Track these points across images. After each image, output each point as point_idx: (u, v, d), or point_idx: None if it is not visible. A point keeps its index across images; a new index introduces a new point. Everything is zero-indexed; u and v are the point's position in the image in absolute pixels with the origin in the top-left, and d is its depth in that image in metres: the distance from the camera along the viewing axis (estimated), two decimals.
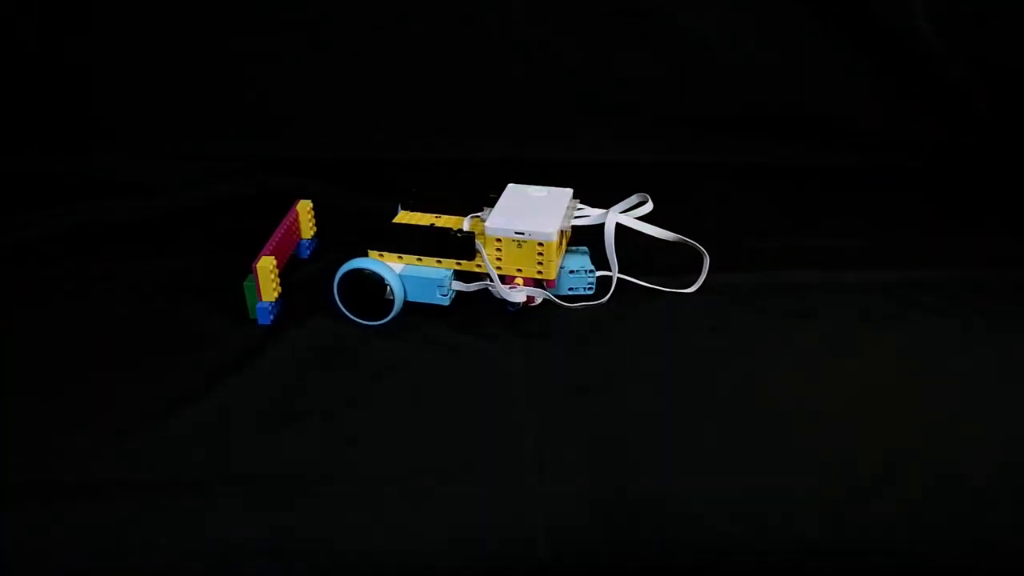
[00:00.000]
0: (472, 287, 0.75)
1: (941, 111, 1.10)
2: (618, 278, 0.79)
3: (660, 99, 1.12)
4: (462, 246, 0.73)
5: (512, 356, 0.72)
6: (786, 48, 1.08)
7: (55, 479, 0.59)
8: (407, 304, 0.75)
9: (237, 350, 0.71)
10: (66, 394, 0.66)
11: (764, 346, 0.74)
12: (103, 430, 0.62)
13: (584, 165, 1.04)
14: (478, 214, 0.78)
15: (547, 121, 1.12)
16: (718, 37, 1.08)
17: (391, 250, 0.75)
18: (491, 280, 0.73)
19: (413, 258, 0.75)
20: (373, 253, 0.75)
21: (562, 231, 0.75)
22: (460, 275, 0.76)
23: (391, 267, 0.74)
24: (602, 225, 0.78)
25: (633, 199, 0.80)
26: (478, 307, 0.76)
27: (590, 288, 0.80)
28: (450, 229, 0.75)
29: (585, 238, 0.81)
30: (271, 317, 0.74)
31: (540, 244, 0.72)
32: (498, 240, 0.72)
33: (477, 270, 0.74)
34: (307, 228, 0.86)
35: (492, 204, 0.76)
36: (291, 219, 0.83)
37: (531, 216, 0.73)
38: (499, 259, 0.73)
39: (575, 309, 0.77)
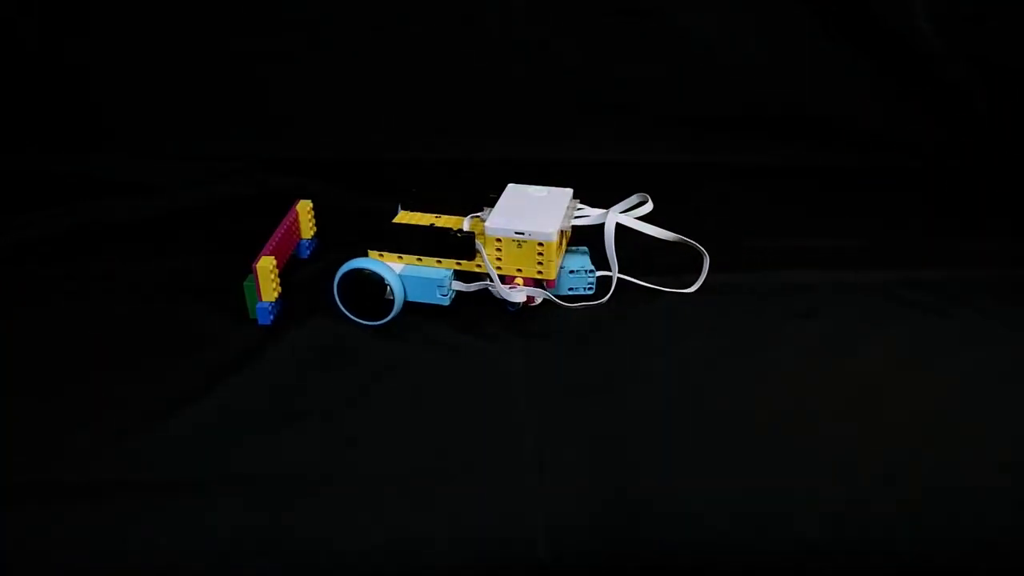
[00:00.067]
0: (472, 287, 0.75)
1: (941, 111, 1.10)
2: (618, 278, 0.79)
3: (660, 99, 1.12)
4: (462, 246, 0.73)
5: (512, 356, 0.72)
6: (786, 48, 1.08)
7: (55, 479, 0.59)
8: (407, 304, 0.75)
9: (237, 350, 0.71)
10: (66, 394, 0.66)
11: (764, 346, 0.74)
12: (103, 430, 0.63)
13: (584, 165, 1.04)
14: (478, 214, 0.78)
15: (547, 121, 1.12)
16: (718, 37, 1.08)
17: (391, 250, 0.75)
18: (491, 280, 0.73)
19: (413, 258, 0.75)
20: (373, 253, 0.75)
21: (562, 231, 0.75)
22: (460, 275, 0.76)
23: (391, 267, 0.74)
24: (602, 225, 0.78)
25: (633, 199, 0.80)
26: (478, 307, 0.76)
27: (590, 288, 0.80)
28: (450, 229, 0.75)
29: (585, 238, 0.81)
30: (271, 317, 0.74)
31: (540, 244, 0.72)
32: (498, 240, 0.72)
33: (477, 270, 0.74)
34: (307, 228, 0.86)
35: (492, 204, 0.76)
36: (291, 219, 0.83)
37: (531, 216, 0.73)
38: (499, 259, 0.73)
39: (575, 309, 0.77)
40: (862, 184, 1.07)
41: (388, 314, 0.74)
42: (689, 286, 0.81)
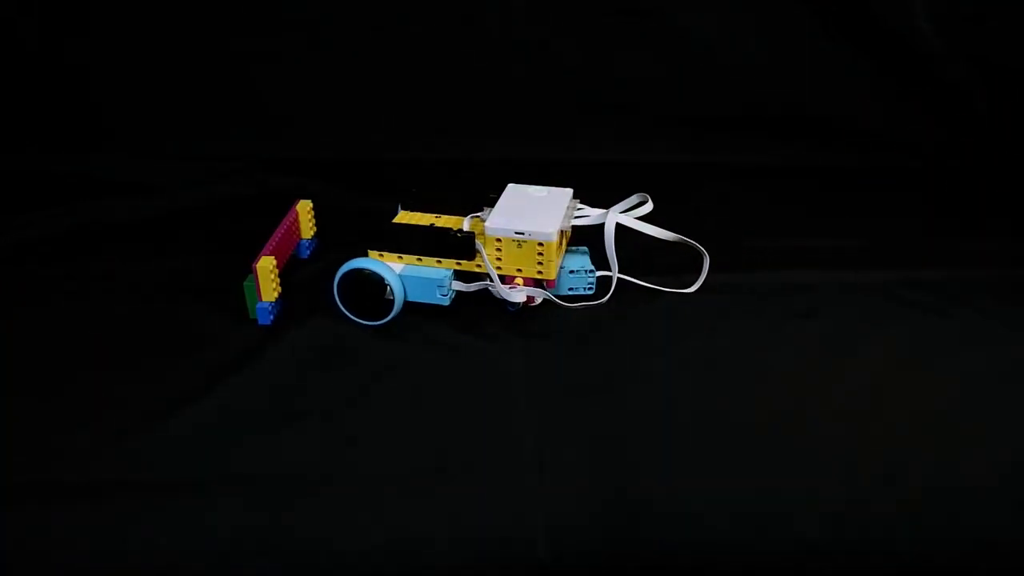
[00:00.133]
0: (472, 287, 0.75)
1: (941, 111, 1.10)
2: (618, 278, 0.79)
3: (660, 99, 1.12)
4: (462, 246, 0.73)
5: (512, 356, 0.72)
6: (786, 48, 1.08)
7: (55, 479, 0.59)
8: (407, 304, 0.75)
9: (237, 350, 0.71)
10: (66, 394, 0.66)
11: (764, 346, 0.74)
12: (103, 430, 0.62)
13: (584, 165, 1.04)
14: (478, 214, 0.78)
15: (547, 121, 1.12)
16: (718, 37, 1.08)
17: (391, 250, 0.75)
18: (491, 280, 0.73)
19: (413, 258, 0.75)
20: (373, 253, 0.75)
21: (562, 231, 0.75)
22: (460, 275, 0.76)
23: (391, 267, 0.74)
24: (602, 225, 0.78)
25: (633, 199, 0.80)
26: (478, 307, 0.76)
27: (590, 288, 0.80)
28: (450, 229, 0.75)
29: (585, 238, 0.81)
30: (271, 317, 0.74)
31: (540, 244, 0.72)
32: (498, 240, 0.72)
33: (477, 270, 0.74)
34: (307, 228, 0.86)
35: (492, 204, 0.76)
36: (291, 219, 0.83)
37: (531, 216, 0.73)
38: (499, 259, 0.73)
39: (575, 309, 0.77)
40: (862, 184, 1.07)
41: (388, 314, 0.74)
42: (689, 286, 0.81)
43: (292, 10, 1.05)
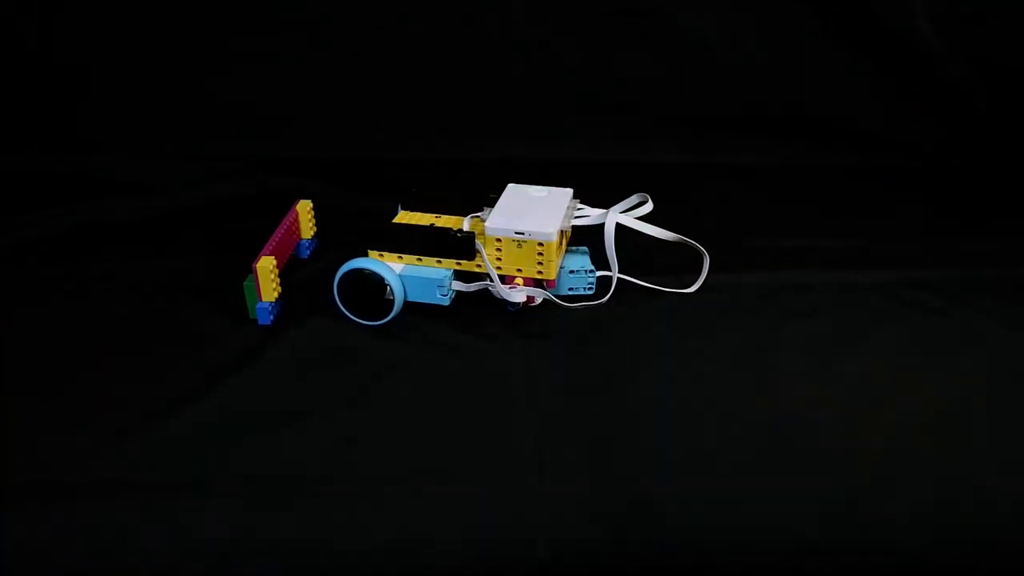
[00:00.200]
0: (472, 287, 0.75)
1: (941, 111, 1.10)
2: (618, 278, 0.79)
3: (660, 99, 1.12)
4: (462, 246, 0.73)
5: (512, 356, 0.72)
6: (786, 48, 1.08)
7: (55, 479, 0.59)
8: (407, 304, 0.75)
9: (237, 350, 0.71)
10: (66, 394, 0.66)
11: (764, 346, 0.74)
12: (103, 430, 0.62)
13: (584, 165, 1.04)
14: (478, 214, 0.78)
15: (547, 121, 1.12)
16: (718, 37, 1.08)
17: (391, 250, 0.75)
18: (491, 280, 0.73)
19: (413, 258, 0.75)
20: (373, 253, 0.75)
21: (562, 231, 0.75)
22: (460, 275, 0.75)
23: (391, 267, 0.74)
24: (602, 225, 0.78)
25: (633, 199, 0.80)
26: (478, 307, 0.76)
27: (590, 288, 0.80)
28: (450, 229, 0.75)
29: (585, 238, 0.81)
30: (271, 317, 0.74)
31: (540, 244, 0.72)
32: (498, 240, 0.72)
33: (477, 270, 0.74)
34: (307, 228, 0.86)
35: (492, 204, 0.76)
36: (291, 219, 0.83)
37: (531, 216, 0.73)
38: (499, 259, 0.73)
39: (575, 309, 0.77)
40: (862, 184, 1.07)
41: (388, 314, 0.74)
42: (689, 286, 0.81)
43: (292, 10, 1.05)
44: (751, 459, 0.62)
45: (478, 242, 0.73)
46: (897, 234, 0.94)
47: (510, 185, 0.79)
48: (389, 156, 1.11)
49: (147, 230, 0.92)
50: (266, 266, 0.72)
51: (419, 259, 0.75)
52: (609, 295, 0.79)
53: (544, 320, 0.76)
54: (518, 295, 0.73)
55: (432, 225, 0.77)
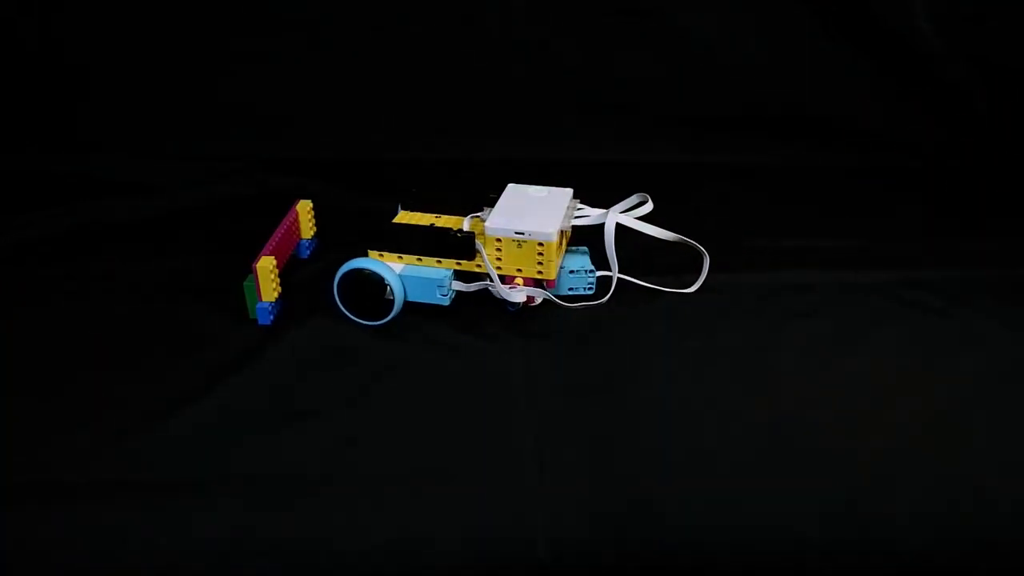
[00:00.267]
0: (472, 287, 0.75)
1: (941, 111, 1.10)
2: (618, 278, 0.79)
3: (660, 99, 1.12)
4: (462, 246, 0.73)
5: (512, 356, 0.72)
6: (786, 48, 1.08)
7: (55, 479, 0.59)
8: (407, 304, 0.75)
9: (237, 350, 0.71)
10: (66, 394, 0.66)
11: (764, 346, 0.74)
12: (103, 430, 0.62)
13: (584, 165, 1.04)
14: (478, 214, 0.78)
15: (547, 121, 1.12)
16: (718, 37, 1.08)
17: (391, 250, 0.75)
18: (491, 280, 0.73)
19: (413, 258, 0.75)
20: (373, 253, 0.75)
21: (562, 231, 0.75)
22: (460, 275, 0.75)
23: (391, 267, 0.74)
24: (602, 225, 0.78)
25: (633, 199, 0.80)
26: (478, 307, 0.76)
27: (590, 288, 0.80)
28: (450, 229, 0.75)
29: (585, 238, 0.81)
30: (271, 317, 0.74)
31: (540, 244, 0.72)
32: (498, 240, 0.72)
33: (477, 270, 0.74)
34: (307, 228, 0.86)
35: (492, 204, 0.76)
36: (291, 219, 0.83)
37: (531, 216, 0.73)
38: (499, 259, 0.73)
39: (575, 309, 0.77)
40: (862, 184, 1.07)
41: (388, 314, 0.74)
42: (689, 286, 0.81)
43: (292, 10, 1.05)
44: (751, 459, 0.62)
45: (478, 242, 0.73)
46: (897, 234, 0.94)
47: (510, 185, 0.79)
48: (389, 156, 1.11)
49: (147, 230, 0.92)
50: (266, 266, 0.73)
51: (419, 259, 0.75)
52: (609, 295, 0.79)
53: (544, 320, 0.76)
54: (518, 295, 0.73)
55: (432, 225, 0.77)
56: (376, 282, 0.73)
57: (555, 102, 1.12)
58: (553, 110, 1.12)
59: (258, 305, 0.74)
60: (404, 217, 0.80)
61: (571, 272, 0.79)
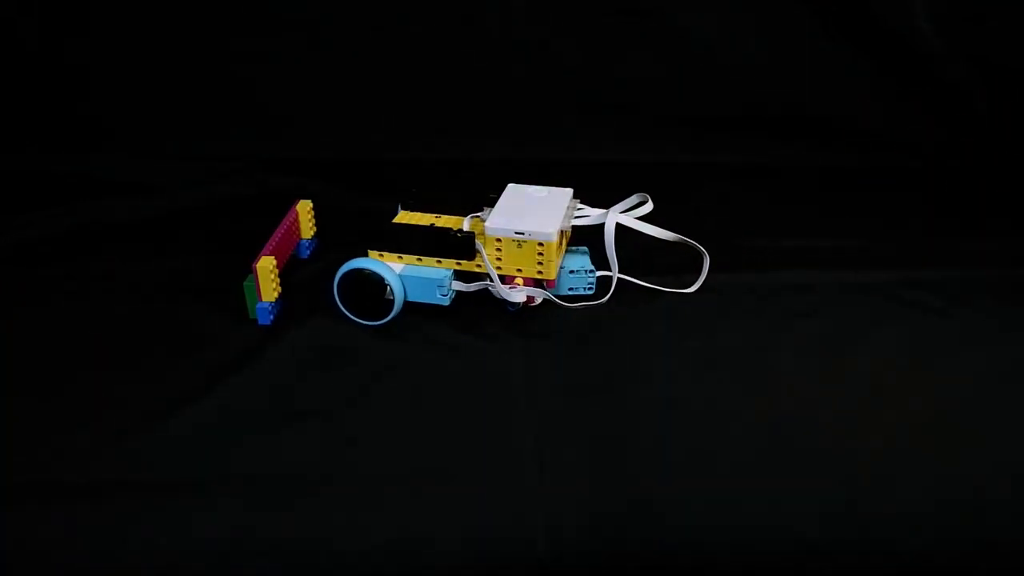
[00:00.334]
0: (472, 287, 0.75)
1: (941, 111, 1.10)
2: (618, 278, 0.79)
3: (660, 99, 1.12)
4: (462, 246, 0.73)
5: (512, 356, 0.72)
6: (786, 48, 1.08)
7: (55, 479, 0.59)
8: (407, 304, 0.75)
9: (237, 350, 0.71)
10: (66, 394, 0.66)
11: (764, 346, 0.74)
12: (103, 430, 0.62)
13: (584, 165, 1.04)
14: (478, 214, 0.78)
15: (547, 121, 1.12)
16: (718, 37, 1.08)
17: (391, 250, 0.75)
18: (491, 280, 0.73)
19: (413, 258, 0.75)
20: (373, 253, 0.75)
21: (562, 231, 0.75)
22: (460, 275, 0.75)
23: (391, 267, 0.74)
24: (602, 225, 0.78)
25: (633, 199, 0.80)
26: (478, 307, 0.76)
27: (590, 288, 0.80)
28: (450, 229, 0.75)
29: (585, 238, 0.81)
30: (271, 317, 0.74)
31: (540, 244, 0.72)
32: (498, 240, 0.72)
33: (477, 270, 0.74)
34: (307, 228, 0.86)
35: (492, 204, 0.76)
36: (291, 219, 0.83)
37: (531, 216, 0.73)
38: (499, 259, 0.73)
39: (575, 309, 0.77)
40: (862, 184, 1.07)
41: (388, 314, 0.74)
42: (689, 286, 0.81)
43: (292, 10, 1.05)
44: (751, 459, 0.62)
45: (478, 242, 0.73)
46: (897, 234, 0.94)
47: (510, 185, 0.79)
48: (389, 156, 1.11)
49: (147, 230, 0.92)
50: (266, 266, 0.73)
51: (419, 259, 0.75)
52: (609, 295, 0.79)
53: (544, 320, 0.76)
54: (518, 295, 0.73)
55: (432, 225, 0.77)
56: (376, 282, 0.73)
57: (555, 102, 1.12)
58: (553, 110, 1.12)
59: (258, 305, 0.74)
60: (404, 217, 0.80)
61: (571, 272, 0.79)
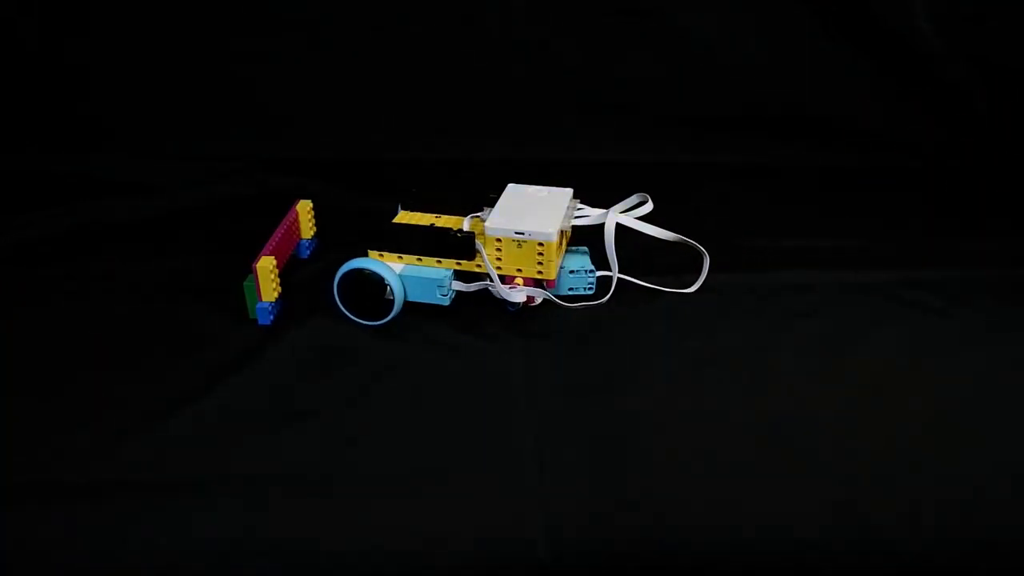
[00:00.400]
0: (472, 287, 0.75)
1: (941, 111, 1.10)
2: (618, 278, 0.79)
3: (660, 99, 1.12)
4: (462, 246, 0.73)
5: (512, 356, 0.72)
6: (786, 48, 1.09)
7: (55, 479, 0.59)
8: (407, 304, 0.75)
9: (237, 350, 0.71)
10: (66, 394, 0.66)
11: (764, 346, 0.74)
12: (103, 430, 0.62)
13: (584, 165, 1.04)
14: (478, 214, 0.78)
15: (547, 121, 1.12)
16: (718, 37, 1.08)
17: (391, 250, 0.75)
18: (491, 280, 0.73)
19: (413, 258, 0.75)
20: (373, 253, 0.75)
21: (562, 231, 0.75)
22: (460, 275, 0.75)
23: (391, 267, 0.74)
24: (602, 225, 0.78)
25: (633, 199, 0.80)
26: (478, 307, 0.76)
27: (590, 288, 0.80)
28: (450, 229, 0.75)
29: (585, 238, 0.81)
30: (271, 317, 0.74)
31: (540, 244, 0.72)
32: (498, 240, 0.72)
33: (477, 270, 0.74)
34: (307, 228, 0.86)
35: (492, 204, 0.76)
36: (291, 219, 0.83)
37: (531, 216, 0.73)
38: (499, 259, 0.73)
39: (575, 309, 0.77)
40: (862, 184, 1.07)
41: (388, 314, 0.74)
42: (689, 286, 0.81)
43: (292, 10, 1.05)
44: (751, 459, 0.62)
45: (478, 242, 0.73)
46: (897, 234, 0.94)
47: (510, 185, 0.79)
48: (389, 156, 1.11)
49: (147, 230, 0.92)
50: (266, 266, 0.73)
51: (419, 259, 0.75)
52: (609, 295, 0.79)
53: (544, 320, 0.76)
54: (518, 295, 0.73)
55: (432, 225, 0.77)
56: (376, 282, 0.73)
57: (555, 102, 1.12)
58: (553, 110, 1.12)
59: (258, 305, 0.74)
60: (404, 217, 0.80)
61: (571, 272, 0.78)
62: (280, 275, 0.75)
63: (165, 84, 1.07)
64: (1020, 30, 1.05)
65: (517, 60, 1.09)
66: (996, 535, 0.58)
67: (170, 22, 1.05)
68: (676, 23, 1.07)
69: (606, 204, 0.80)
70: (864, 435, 0.64)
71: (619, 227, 0.78)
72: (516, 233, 0.72)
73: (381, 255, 0.75)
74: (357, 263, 0.74)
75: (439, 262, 0.75)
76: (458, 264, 0.74)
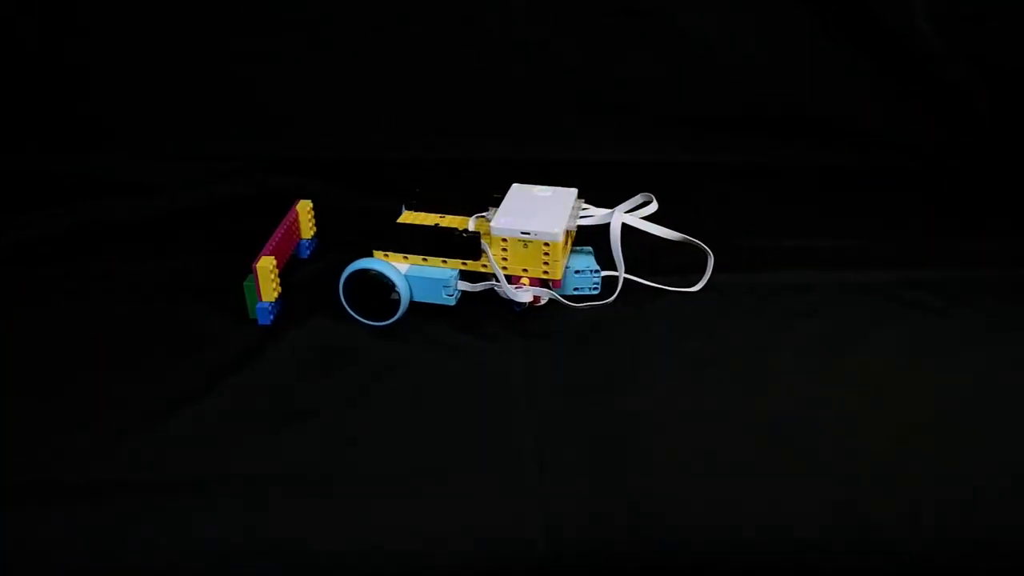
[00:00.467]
0: (478, 287, 0.75)
1: (941, 111, 1.11)
2: (624, 278, 0.79)
3: (660, 99, 1.12)
4: (467, 246, 0.73)
5: (512, 356, 0.72)
6: (786, 48, 1.09)
7: (55, 479, 0.59)
8: (410, 304, 0.75)
9: (237, 350, 0.71)
10: (66, 394, 0.66)
11: (764, 346, 0.74)
12: (103, 430, 0.62)
13: (584, 165, 1.04)
14: (483, 214, 0.78)
15: (547, 121, 1.12)
16: (718, 37, 1.08)
17: (396, 250, 0.75)
18: (497, 280, 0.73)
19: (418, 258, 0.75)
20: (378, 253, 0.75)
21: (568, 231, 0.74)
22: (466, 275, 0.75)
23: (396, 267, 0.74)
24: (606, 225, 0.78)
25: (638, 199, 0.80)
26: (478, 307, 0.76)
27: (595, 288, 0.80)
28: (455, 229, 0.75)
29: (589, 238, 0.81)
30: (271, 317, 0.74)
31: (546, 244, 0.71)
32: (504, 240, 0.72)
33: (483, 270, 0.74)
34: (307, 228, 0.86)
35: (496, 204, 0.76)
36: (291, 219, 0.83)
37: (537, 216, 0.73)
38: (505, 259, 0.73)
39: (579, 309, 0.77)
40: (862, 184, 1.07)
41: (394, 314, 0.74)
42: (692, 285, 0.81)
43: (292, 10, 1.05)
44: (751, 459, 0.62)
45: (483, 242, 0.73)
46: (897, 234, 0.94)
47: (515, 185, 0.79)
48: (389, 156, 1.11)
49: (147, 230, 0.92)
50: (266, 266, 0.72)
51: (424, 259, 0.75)
52: (616, 295, 0.79)
53: (544, 320, 0.76)
54: (524, 295, 0.73)
55: (437, 225, 0.77)
56: (382, 282, 0.73)
57: (555, 102, 1.12)
58: (553, 110, 1.12)
59: (258, 305, 0.74)
60: (408, 217, 0.80)
61: (576, 272, 0.78)
62: (280, 275, 0.75)
63: (165, 84, 1.07)
64: (1020, 30, 1.05)
65: (517, 60, 1.09)
66: (996, 535, 0.58)
67: (170, 22, 1.05)
68: (676, 23, 1.07)
69: (606, 204, 0.80)
70: (864, 435, 0.64)
71: (624, 227, 0.78)
72: (522, 233, 0.72)
73: (386, 255, 0.75)
74: (363, 263, 0.74)
75: (444, 262, 0.75)
76: (464, 264, 0.74)
